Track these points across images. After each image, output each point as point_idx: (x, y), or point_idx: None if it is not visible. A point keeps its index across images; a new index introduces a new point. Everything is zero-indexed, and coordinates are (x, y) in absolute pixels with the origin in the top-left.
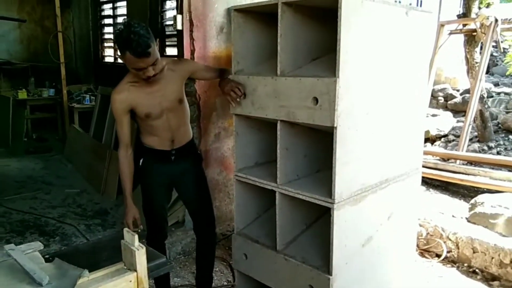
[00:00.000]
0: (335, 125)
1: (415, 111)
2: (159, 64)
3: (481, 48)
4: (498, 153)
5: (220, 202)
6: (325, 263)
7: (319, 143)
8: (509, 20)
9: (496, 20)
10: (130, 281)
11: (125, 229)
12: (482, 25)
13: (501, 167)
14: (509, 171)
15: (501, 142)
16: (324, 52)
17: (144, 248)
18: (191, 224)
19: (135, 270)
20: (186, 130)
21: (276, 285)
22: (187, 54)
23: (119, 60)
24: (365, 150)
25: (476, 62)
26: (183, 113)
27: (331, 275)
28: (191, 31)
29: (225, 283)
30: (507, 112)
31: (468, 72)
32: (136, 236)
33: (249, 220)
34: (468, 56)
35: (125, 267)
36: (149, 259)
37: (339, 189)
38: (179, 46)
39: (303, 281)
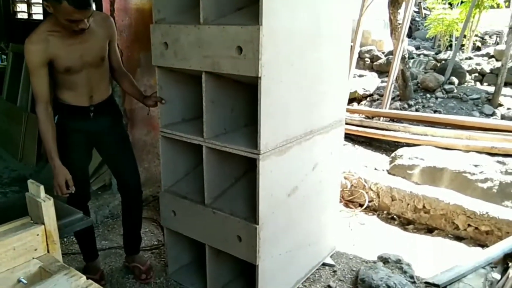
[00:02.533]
0: (259, 75)
1: (339, 65)
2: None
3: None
4: (417, 110)
5: (149, 163)
6: (252, 214)
7: (246, 97)
8: None
9: None
10: (38, 235)
11: (29, 181)
12: None
13: (419, 122)
14: (425, 126)
15: (420, 100)
16: (250, 2)
17: (52, 199)
18: None
19: (43, 223)
20: (106, 86)
21: (205, 239)
22: (106, 6)
23: (34, 17)
24: (290, 101)
25: (399, 23)
26: (104, 70)
27: (258, 224)
28: None
29: (156, 243)
30: (425, 72)
31: (391, 33)
32: (42, 187)
33: (177, 178)
34: (392, 17)
35: (32, 221)
36: (64, 215)
37: (264, 140)
38: None
39: (231, 233)
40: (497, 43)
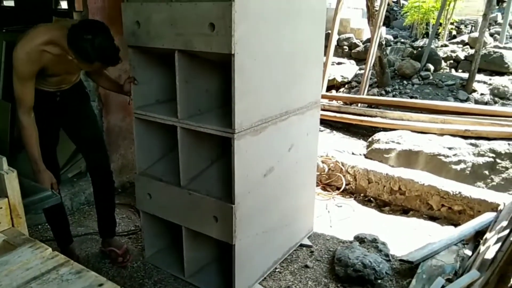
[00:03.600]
0: (232, 52)
1: (315, 45)
2: None
3: None
4: (394, 96)
5: (125, 150)
6: (228, 194)
7: (221, 78)
8: None
9: None
10: (1, 208)
11: None
12: None
13: (395, 108)
14: (402, 111)
15: (397, 87)
16: None
17: (15, 172)
18: None
19: (6, 197)
20: (76, 77)
21: (181, 221)
22: None
23: (5, 3)
24: (264, 80)
25: (376, 10)
26: (79, 72)
27: (233, 204)
28: None
29: (133, 228)
30: (402, 59)
31: (369, 20)
32: (4, 159)
33: (153, 160)
34: (369, 4)
35: None
36: (32, 192)
37: (239, 119)
38: None
39: (207, 213)
40: (471, 32)
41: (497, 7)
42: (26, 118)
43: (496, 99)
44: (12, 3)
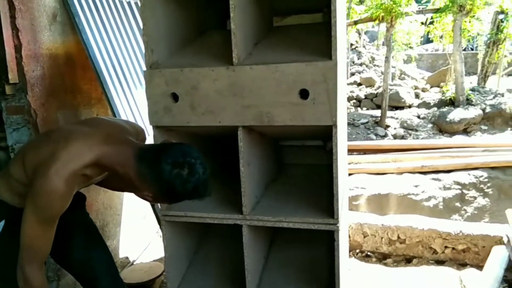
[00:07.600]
0: (336, 123)
1: None
2: None
3: None
4: None
5: None
6: None
7: (269, 152)
8: None
9: None
10: None
11: None
12: None
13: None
14: (350, 154)
15: None
16: (263, 35)
17: None
18: None
19: None
20: None
21: None
22: (11, 52)
23: None
24: (344, 152)
25: None
26: None
27: None
28: (12, 17)
29: None
30: None
31: None
32: None
33: (182, 271)
34: None
35: None
36: None
37: (341, 205)
38: None
39: None
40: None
41: (351, 50)
42: (38, 276)
43: (409, 131)
44: None
